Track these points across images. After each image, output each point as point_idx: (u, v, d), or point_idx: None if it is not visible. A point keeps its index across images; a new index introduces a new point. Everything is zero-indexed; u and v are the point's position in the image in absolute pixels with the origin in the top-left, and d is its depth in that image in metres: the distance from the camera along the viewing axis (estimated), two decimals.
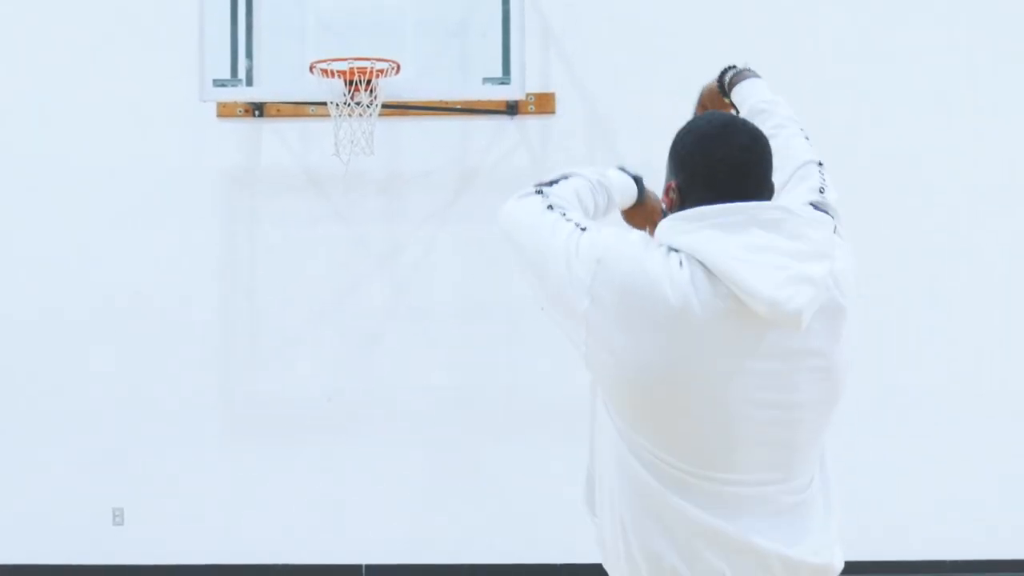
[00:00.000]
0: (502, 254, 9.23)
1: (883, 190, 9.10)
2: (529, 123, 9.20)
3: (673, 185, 2.74)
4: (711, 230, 2.58)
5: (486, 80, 8.34)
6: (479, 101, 8.84)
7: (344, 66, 8.06)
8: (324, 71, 8.07)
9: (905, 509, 9.02)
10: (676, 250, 2.63)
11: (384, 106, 8.29)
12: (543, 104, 9.11)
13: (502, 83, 8.24)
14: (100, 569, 9.11)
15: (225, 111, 9.11)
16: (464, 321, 9.23)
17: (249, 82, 8.48)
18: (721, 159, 2.68)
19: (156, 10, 9.11)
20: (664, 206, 2.81)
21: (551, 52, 9.18)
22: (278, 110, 9.15)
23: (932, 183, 9.18)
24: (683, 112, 9.60)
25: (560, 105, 9.15)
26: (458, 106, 9.00)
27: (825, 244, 2.65)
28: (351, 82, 8.05)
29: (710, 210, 2.61)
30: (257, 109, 9.13)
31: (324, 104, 8.20)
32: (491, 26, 8.37)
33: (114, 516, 9.09)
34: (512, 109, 9.02)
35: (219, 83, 8.32)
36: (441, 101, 8.90)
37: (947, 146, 9.19)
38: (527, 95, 8.63)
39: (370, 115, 8.14)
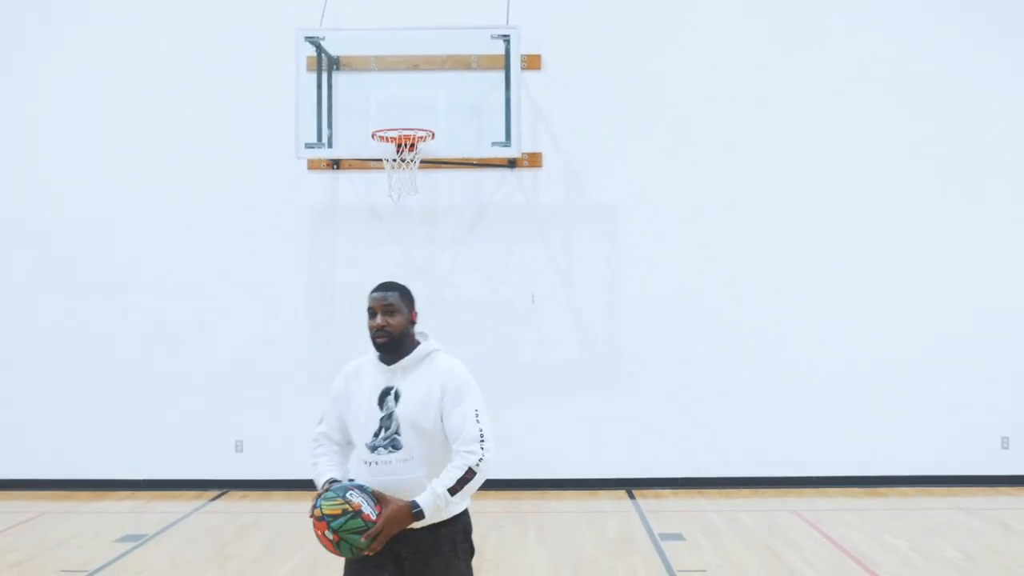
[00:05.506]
0: (505, 266, 9.77)
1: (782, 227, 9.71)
2: (524, 174, 9.71)
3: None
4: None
5: (494, 144, 8.84)
6: (489, 158, 9.35)
7: (395, 134, 8.55)
8: (382, 137, 8.59)
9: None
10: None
11: (423, 162, 8.73)
12: (533, 160, 9.64)
13: (505, 146, 8.72)
14: (225, 483, 9.59)
15: (313, 165, 9.61)
16: (478, 312, 9.64)
17: (330, 145, 8.98)
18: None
19: (265, 95, 9.62)
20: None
21: (539, 125, 9.70)
22: (350, 164, 9.61)
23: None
24: (635, 166, 9.86)
25: (545, 161, 9.70)
26: (475, 162, 9.50)
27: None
28: (400, 145, 8.50)
29: None
30: (335, 164, 9.63)
31: (382, 160, 8.70)
32: (497, 108, 8.82)
33: (236, 446, 9.63)
34: (512, 164, 9.55)
35: (309, 145, 8.83)
36: (463, 158, 9.36)
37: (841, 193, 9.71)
38: (522, 154, 9.13)
39: (412, 168, 8.59)
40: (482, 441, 3.64)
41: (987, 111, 9.76)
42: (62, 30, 9.95)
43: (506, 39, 8.68)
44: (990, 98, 9.77)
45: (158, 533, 7.92)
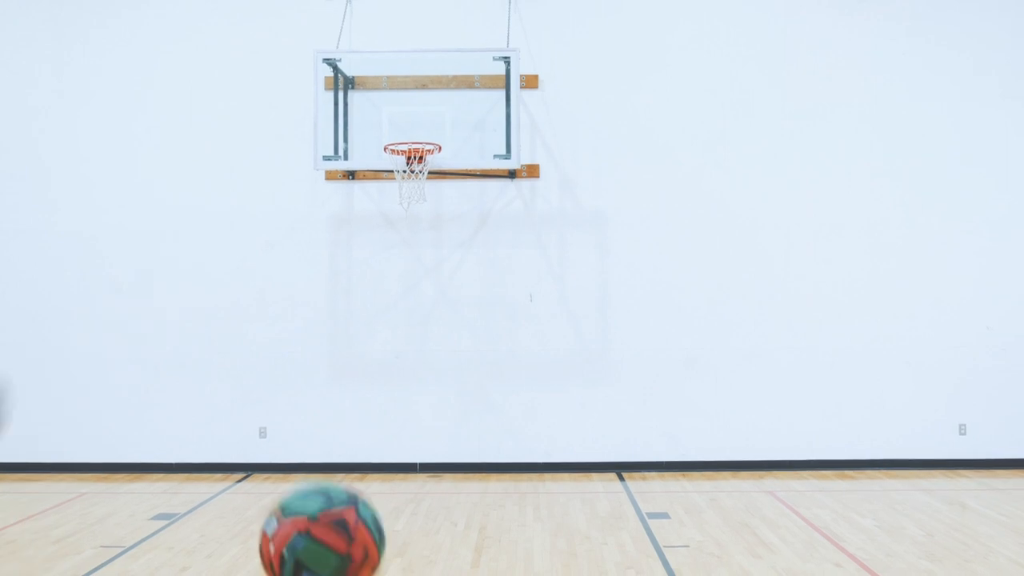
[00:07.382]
0: (506, 268, 9.82)
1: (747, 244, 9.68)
2: (523, 183, 9.68)
3: None
4: None
5: (495, 156, 8.87)
6: (491, 169, 9.35)
7: (405, 148, 8.58)
8: (393, 151, 8.62)
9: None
10: None
11: (431, 173, 8.76)
12: (531, 171, 9.62)
13: (505, 158, 8.73)
14: (250, 466, 9.56)
15: (330, 176, 9.58)
16: (481, 310, 9.62)
17: (346, 157, 8.98)
18: None
19: (287, 115, 9.58)
20: None
21: (536, 139, 9.66)
22: (364, 175, 9.58)
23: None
24: (625, 175, 9.86)
25: (542, 172, 9.66)
26: (478, 172, 9.49)
27: None
28: (410, 158, 8.52)
29: None
30: (351, 174, 9.59)
31: (393, 171, 8.73)
32: (498, 123, 8.88)
33: (260, 432, 9.57)
34: (512, 174, 9.55)
35: (327, 158, 8.84)
36: (468, 169, 9.35)
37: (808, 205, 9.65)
38: (521, 166, 9.17)
39: (421, 178, 8.62)
40: None
41: (954, 129, 9.79)
42: (101, 54, 9.96)
43: (507, 60, 8.70)
44: (965, 119, 9.80)
45: (189, 512, 7.93)
